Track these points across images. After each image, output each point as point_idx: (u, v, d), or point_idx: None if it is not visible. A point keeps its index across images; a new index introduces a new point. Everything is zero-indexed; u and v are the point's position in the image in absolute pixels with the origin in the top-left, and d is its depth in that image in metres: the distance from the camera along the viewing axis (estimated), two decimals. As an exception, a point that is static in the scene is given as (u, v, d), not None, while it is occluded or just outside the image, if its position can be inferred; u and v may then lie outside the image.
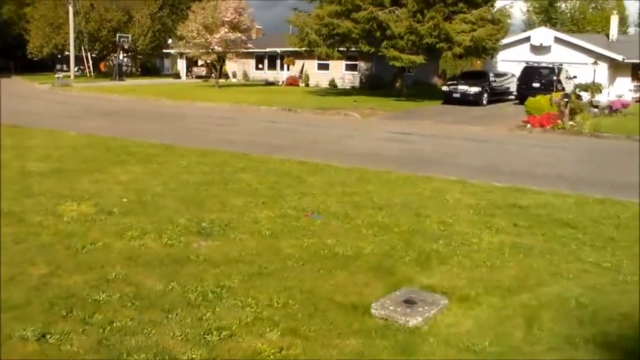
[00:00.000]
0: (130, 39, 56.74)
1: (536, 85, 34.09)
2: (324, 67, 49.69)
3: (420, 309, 5.93)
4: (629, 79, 42.77)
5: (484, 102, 34.24)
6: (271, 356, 4.99)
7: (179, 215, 8.86)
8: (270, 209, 9.46)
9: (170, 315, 5.59)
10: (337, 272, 6.98)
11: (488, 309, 6.15)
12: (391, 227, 8.77)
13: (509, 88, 38.15)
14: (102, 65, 63.19)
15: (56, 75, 49.08)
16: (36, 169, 11.88)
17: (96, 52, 61.40)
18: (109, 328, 5.27)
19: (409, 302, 6.06)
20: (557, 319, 5.96)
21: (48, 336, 5.06)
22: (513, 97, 37.40)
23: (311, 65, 50.44)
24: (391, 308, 5.94)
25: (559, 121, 23.47)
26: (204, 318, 5.58)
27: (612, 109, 28.98)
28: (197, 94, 36.10)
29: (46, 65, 64.76)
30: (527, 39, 44.09)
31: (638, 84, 42.31)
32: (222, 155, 14.59)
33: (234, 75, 56.89)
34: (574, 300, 6.40)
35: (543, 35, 43.22)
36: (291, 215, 9.23)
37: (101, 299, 5.87)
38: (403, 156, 16.22)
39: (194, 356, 4.88)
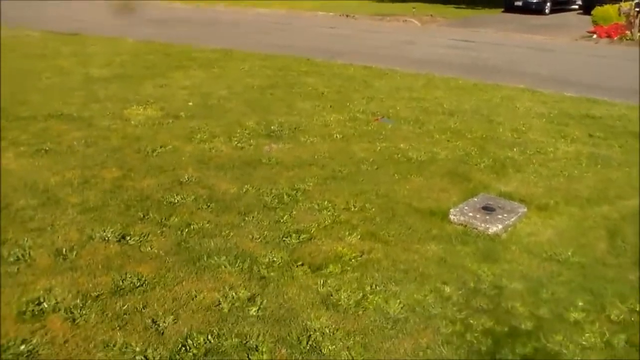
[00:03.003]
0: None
1: (603, -7, 32.38)
2: (380, -29, 48.10)
3: (500, 216, 5.71)
4: None
5: (547, 10, 32.61)
6: (352, 260, 4.85)
7: (247, 119, 8.69)
8: (339, 113, 9.22)
9: (247, 218, 5.49)
10: (412, 177, 6.77)
11: (568, 218, 5.91)
12: (464, 133, 8.47)
13: (573, -4, 36.33)
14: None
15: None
16: (99, 75, 11.78)
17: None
18: (186, 230, 5.19)
19: (488, 209, 5.85)
20: (641, 232, 5.67)
21: (128, 238, 5.01)
22: (577, 6, 35.63)
23: (368, -30, 48.85)
24: (470, 214, 5.74)
25: (627, 32, 22.23)
26: (282, 221, 5.47)
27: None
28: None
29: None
30: (596, -59, 41.60)
31: None
32: (284, 59, 14.28)
33: (288, -19, 55.59)
34: (658, 214, 6.07)
35: (612, -62, 40.69)
36: (361, 119, 8.98)
37: (176, 201, 5.79)
38: (467, 64, 15.63)
39: (274, 259, 4.77)
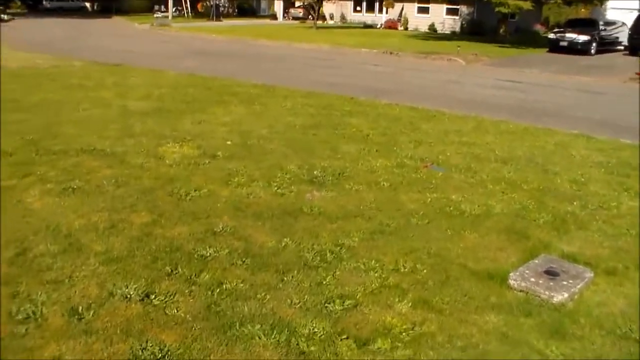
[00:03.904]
0: (227, -21, 56.22)
1: (649, 34, 31.64)
2: (423, 10, 47.67)
3: (565, 283, 5.10)
4: None
5: (593, 51, 31.99)
6: (403, 333, 4.27)
7: (288, 161, 8.18)
8: (386, 158, 8.67)
9: (285, 278, 4.94)
10: (466, 233, 6.18)
11: (641, 285, 5.24)
12: (519, 184, 7.85)
13: (618, 37, 35.51)
14: (199, 6, 62.85)
15: (155, 15, 49.14)
16: (137, 109, 11.44)
17: (194, -8, 61.13)
18: (217, 290, 4.65)
19: (551, 274, 5.24)
20: None
21: (152, 296, 4.49)
22: (622, 47, 34.92)
23: (411, 9, 48.47)
24: (532, 280, 5.13)
25: (677, 74, 21.49)
26: (324, 283, 4.91)
27: None
28: (295, 35, 35.26)
29: (145, 7, 65.08)
30: (641, -16, 40.81)
31: None
32: (328, 97, 13.82)
33: (331, 17, 55.61)
34: None
35: (659, -20, 39.87)
36: (409, 165, 8.41)
37: (208, 254, 5.26)
38: (515, 105, 15.02)
39: (315, 329, 4.21)
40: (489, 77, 20.97)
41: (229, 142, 9.06)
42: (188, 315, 4.27)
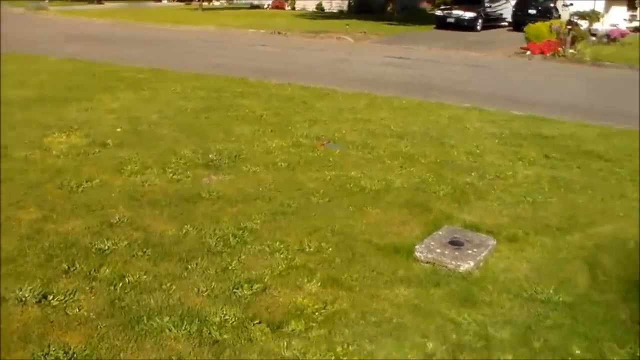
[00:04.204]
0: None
1: (532, 11, 33.00)
2: (310, -11, 47.80)
3: (469, 252, 5.21)
4: (624, 8, 41.46)
5: (478, 27, 33.07)
6: (316, 313, 4.22)
7: (182, 146, 7.95)
8: (281, 138, 8.59)
9: (189, 266, 4.78)
10: (369, 209, 6.20)
11: (541, 250, 5.47)
12: (417, 158, 7.97)
13: (502, 14, 36.95)
14: (77, -11, 60.48)
15: (29, -2, 46.81)
16: (15, 98, 10.76)
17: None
18: (120, 284, 4.43)
19: (455, 244, 5.33)
20: (621, 262, 5.30)
21: (50, 297, 4.21)
22: (506, 23, 36.31)
23: (297, -12, 48.51)
24: (438, 251, 5.21)
25: (559, 49, 22.52)
26: (230, 268, 4.79)
27: (610, 38, 27.91)
28: (181, 18, 34.42)
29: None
30: (523, -36, 42.34)
31: (633, 13, 41.06)
32: (218, 80, 13.55)
33: (216, -1, 54.84)
34: (633, 241, 5.72)
35: (538, -39, 41.54)
36: (305, 144, 8.37)
37: (106, 247, 5.01)
38: (406, 82, 15.28)
39: (227, 317, 4.09)
40: (378, 54, 21.22)
41: (118, 130, 8.71)
42: (91, 314, 4.03)
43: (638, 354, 3.93)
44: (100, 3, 49.51)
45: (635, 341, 4.06)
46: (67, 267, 4.64)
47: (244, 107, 10.57)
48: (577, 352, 3.93)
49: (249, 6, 49.50)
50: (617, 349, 3.98)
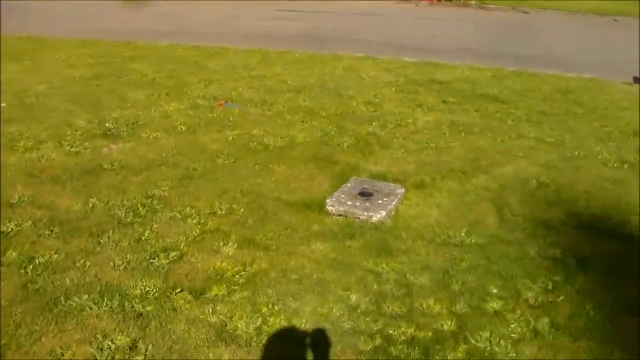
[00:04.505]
0: None
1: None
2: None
3: (380, 201, 5.32)
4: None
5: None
6: (237, 276, 4.23)
7: (75, 117, 7.66)
8: (178, 101, 8.42)
9: (101, 240, 4.66)
10: (275, 167, 6.22)
11: (449, 194, 5.67)
12: (317, 111, 8.01)
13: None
14: None
15: None
16: None
17: None
18: (30, 267, 4.27)
19: (365, 195, 5.44)
20: (525, 201, 5.57)
21: (-44, 287, 4.01)
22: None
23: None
24: (349, 203, 5.29)
25: (445, -6, 23.00)
26: (143, 238, 4.71)
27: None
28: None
29: None
30: None
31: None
32: (103, 45, 13.01)
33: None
34: (535, 180, 6.02)
35: None
36: (203, 105, 8.25)
37: (10, 230, 4.80)
38: (298, 35, 15.21)
39: (147, 288, 4.04)
40: (267, 8, 20.94)
41: (3, 104, 8.27)
42: (3, 301, 3.86)
43: (550, 287, 4.16)
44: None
45: (546, 275, 4.29)
46: (-31, 253, 4.42)
47: (135, 72, 10.26)
48: (494, 291, 4.11)
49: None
50: (530, 284, 4.19)
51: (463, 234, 4.87)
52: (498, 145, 6.98)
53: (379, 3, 22.68)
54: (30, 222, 4.91)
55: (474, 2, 22.10)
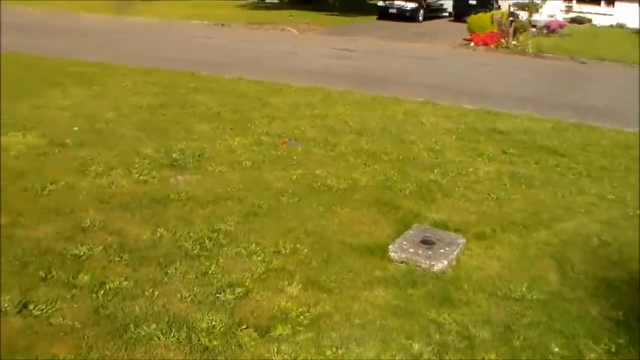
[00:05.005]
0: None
1: (472, 2, 33.55)
2: (251, -22, 47.35)
3: (441, 251, 5.32)
4: (561, -1, 42.53)
5: (420, 18, 33.51)
6: (301, 317, 4.27)
7: (143, 145, 7.86)
8: (242, 136, 8.57)
9: (169, 271, 4.75)
10: (338, 209, 6.26)
11: (510, 247, 5.63)
12: (379, 155, 8.07)
13: (443, 5, 37.48)
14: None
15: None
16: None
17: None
18: (101, 291, 4.38)
19: (427, 243, 5.45)
20: (587, 259, 5.50)
21: (31, 306, 4.13)
22: (447, 14, 36.83)
23: (237, -23, 47.93)
24: (411, 250, 5.30)
25: (502, 40, 23.00)
26: (209, 272, 4.78)
27: (549, 29, 28.62)
28: (119, 8, 33.80)
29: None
30: (461, -44, 42.88)
31: (569, 4, 42.17)
32: (168, 74, 13.37)
33: (155, -12, 53.87)
34: (596, 237, 5.95)
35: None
36: (267, 142, 8.37)
37: (82, 253, 4.93)
38: (356, 74, 15.41)
39: (214, 323, 4.09)
40: (324, 46, 21.28)
41: (75, 128, 8.54)
42: (76, 323, 3.97)
43: (613, 349, 4.10)
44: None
45: (609, 337, 4.23)
46: (44, 274, 4.56)
47: (200, 104, 10.49)
48: (556, 349, 4.07)
49: (189, -4, 48.73)
50: (592, 345, 4.14)
51: (524, 289, 4.85)
52: (559, 199, 6.93)
53: (437, 46, 22.86)
54: (101, 247, 5.04)
55: (530, 50, 22.07)
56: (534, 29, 26.63)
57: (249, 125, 9.22)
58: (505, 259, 5.40)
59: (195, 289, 4.51)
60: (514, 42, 22.80)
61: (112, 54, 16.13)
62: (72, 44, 18.48)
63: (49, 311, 4.10)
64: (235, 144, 8.19)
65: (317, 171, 7.28)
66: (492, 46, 22.68)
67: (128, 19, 28.58)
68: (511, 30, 22.84)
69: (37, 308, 4.12)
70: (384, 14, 33.29)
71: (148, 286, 4.49)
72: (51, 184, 6.37)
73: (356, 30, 26.76)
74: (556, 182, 7.50)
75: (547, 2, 38.08)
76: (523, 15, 30.61)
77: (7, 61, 14.18)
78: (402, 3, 33.15)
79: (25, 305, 4.13)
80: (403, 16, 32.62)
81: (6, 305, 4.11)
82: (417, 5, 33.26)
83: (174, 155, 7.52)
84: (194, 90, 11.69)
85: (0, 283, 4.35)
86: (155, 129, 8.68)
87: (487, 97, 12.86)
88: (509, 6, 30.22)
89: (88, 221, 5.52)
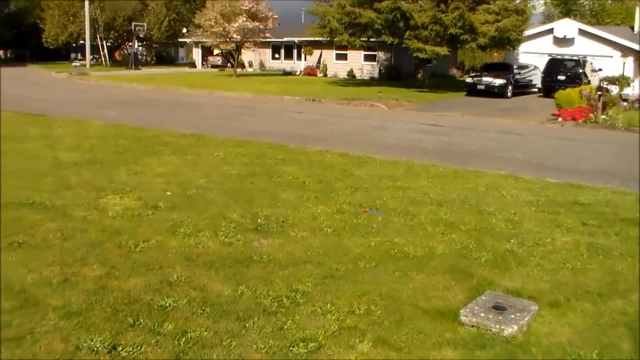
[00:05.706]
0: (145, 27, 55.94)
1: (561, 77, 33.35)
2: (342, 57, 48.77)
3: (513, 316, 5.36)
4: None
5: (509, 94, 33.58)
6: (369, 372, 4.40)
7: (230, 210, 8.28)
8: (325, 204, 8.88)
9: (247, 325, 5.02)
10: (414, 275, 6.41)
11: (583, 315, 5.60)
12: (457, 225, 8.19)
13: (531, 80, 37.45)
14: (117, 54, 62.50)
15: (73, 64, 48.46)
16: (69, 160, 11.32)
17: (111, 40, 60.62)
18: (183, 339, 4.70)
19: (498, 308, 5.50)
20: (663, 330, 5.39)
21: (119, 348, 4.50)
22: (536, 89, 36.78)
23: (329, 55, 49.51)
24: (482, 315, 5.37)
25: (591, 115, 22.79)
26: (285, 327, 5.02)
27: (641, 103, 28.14)
28: (216, 83, 35.51)
29: (60, 54, 64.26)
30: (550, 30, 43.03)
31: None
32: (258, 146, 14.00)
33: (250, 65, 56.25)
34: (673, 310, 5.83)
35: (567, 27, 42.13)
36: (348, 211, 8.65)
37: (167, 304, 5.30)
38: (442, 149, 15.62)
39: (285, 374, 4.30)
40: (412, 121, 21.64)
41: (168, 193, 9.10)
42: (159, 366, 4.30)
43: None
44: (138, 68, 51.18)
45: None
46: (132, 321, 4.93)
47: (287, 174, 10.93)
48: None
49: (281, 72, 50.68)
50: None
51: (595, 356, 4.84)
52: (637, 271, 6.85)
53: (524, 122, 22.83)
54: (185, 300, 5.40)
55: (620, 124, 21.73)
56: (624, 103, 26.22)
57: (333, 194, 9.55)
58: (578, 326, 5.40)
59: (270, 341, 4.76)
60: (603, 117, 22.51)
61: (207, 127, 16.97)
62: (170, 117, 19.53)
63: (135, 353, 4.44)
64: (318, 211, 8.50)
65: (396, 239, 7.48)
66: (580, 121, 22.46)
67: (223, 93, 29.91)
68: (600, 104, 22.60)
69: (124, 350, 4.48)
70: (472, 90, 33.52)
71: (226, 337, 4.78)
72: (143, 242, 6.85)
73: (444, 106, 27.08)
74: (636, 252, 7.40)
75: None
76: (614, 89, 30.26)
77: (111, 131, 15.22)
78: (490, 79, 33.36)
79: (114, 347, 4.50)
80: (491, 92, 32.75)
81: (97, 346, 4.48)
82: (505, 81, 33.38)
83: (258, 220, 7.89)
84: (282, 162, 12.18)
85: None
86: (242, 196, 9.12)
87: (572, 172, 12.79)
88: (600, 80, 30.04)
89: (175, 276, 5.91)
